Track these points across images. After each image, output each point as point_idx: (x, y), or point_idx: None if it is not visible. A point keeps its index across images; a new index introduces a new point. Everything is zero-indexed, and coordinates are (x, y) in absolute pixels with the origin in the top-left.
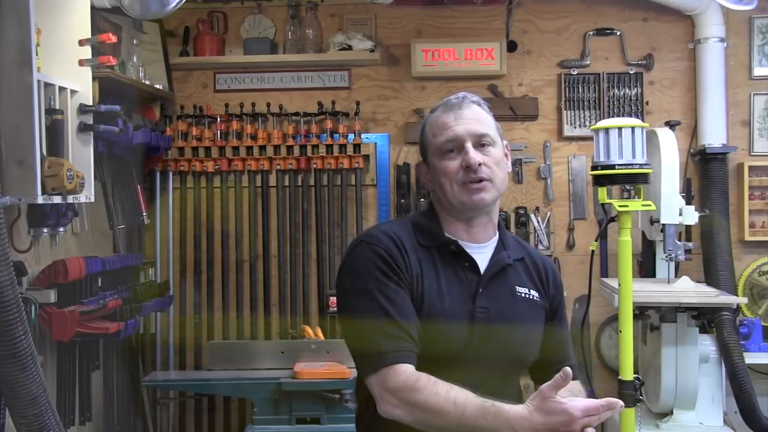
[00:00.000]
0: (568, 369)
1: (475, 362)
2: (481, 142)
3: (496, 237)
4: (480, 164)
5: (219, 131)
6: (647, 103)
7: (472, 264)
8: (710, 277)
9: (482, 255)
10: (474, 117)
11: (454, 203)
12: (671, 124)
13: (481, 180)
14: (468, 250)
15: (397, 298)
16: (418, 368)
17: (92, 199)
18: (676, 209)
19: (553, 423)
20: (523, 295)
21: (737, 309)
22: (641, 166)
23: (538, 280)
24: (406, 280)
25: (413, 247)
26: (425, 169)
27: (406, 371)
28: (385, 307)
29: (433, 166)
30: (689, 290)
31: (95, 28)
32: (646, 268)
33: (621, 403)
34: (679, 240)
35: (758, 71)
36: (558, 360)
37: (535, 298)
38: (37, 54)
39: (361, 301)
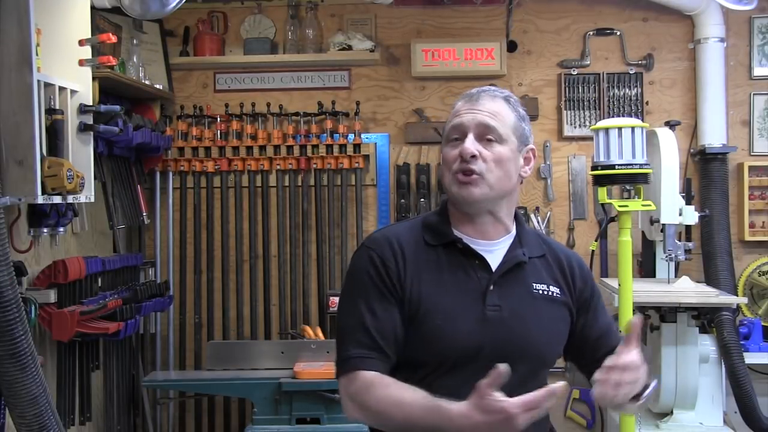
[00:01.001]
0: (499, 370)
1: (490, 362)
2: (486, 136)
3: (511, 235)
4: (474, 156)
5: (219, 131)
6: (647, 103)
7: (483, 262)
8: (710, 277)
9: (495, 252)
10: (488, 109)
11: (450, 193)
12: (671, 124)
13: (471, 173)
14: (477, 248)
15: (378, 309)
16: (433, 371)
17: (92, 199)
18: (676, 209)
19: (493, 421)
20: (540, 291)
21: (737, 309)
22: (641, 166)
23: (561, 275)
24: (394, 289)
25: (418, 248)
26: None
27: (364, 376)
28: (363, 316)
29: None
30: (689, 290)
31: (95, 28)
32: (646, 268)
33: (561, 384)
34: (679, 240)
35: (758, 71)
36: (606, 350)
37: (555, 294)
38: (37, 54)
39: (347, 306)
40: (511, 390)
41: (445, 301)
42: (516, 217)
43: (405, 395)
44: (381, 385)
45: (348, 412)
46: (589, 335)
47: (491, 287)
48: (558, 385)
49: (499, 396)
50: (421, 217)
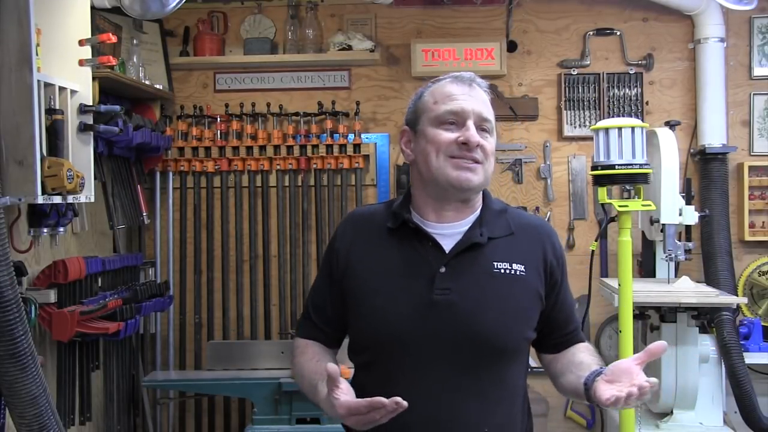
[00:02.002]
0: (331, 366)
1: (439, 349)
2: (482, 127)
3: (474, 216)
4: (478, 145)
5: (219, 131)
6: (647, 103)
7: (435, 244)
8: (710, 277)
9: (452, 234)
10: (482, 99)
11: (437, 176)
12: (671, 124)
13: (474, 161)
14: (431, 230)
15: (321, 286)
16: (379, 354)
17: (92, 199)
18: (676, 209)
19: (337, 414)
20: (502, 271)
21: (737, 309)
22: (641, 166)
23: (530, 253)
24: (336, 269)
25: (379, 230)
26: (409, 136)
27: (296, 341)
28: (311, 292)
29: (423, 133)
30: (689, 290)
31: (95, 28)
32: (646, 268)
33: (385, 401)
34: (679, 240)
35: (758, 71)
36: (568, 329)
37: (519, 272)
38: (37, 54)
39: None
40: (461, 380)
41: (391, 282)
42: (484, 196)
43: (307, 367)
44: (300, 351)
45: None
46: (558, 315)
47: (442, 270)
48: (393, 399)
49: (339, 393)
50: (394, 199)
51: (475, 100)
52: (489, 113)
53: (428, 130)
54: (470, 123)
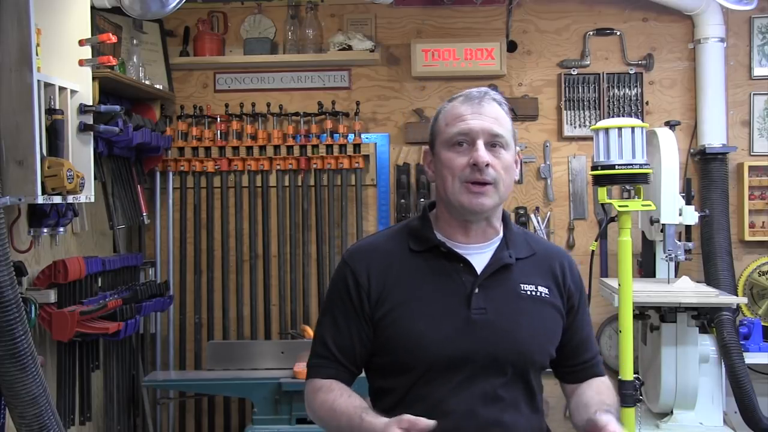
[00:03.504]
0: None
1: (481, 365)
2: (493, 143)
3: (499, 237)
4: (488, 165)
5: (219, 131)
6: (647, 103)
7: (467, 265)
8: (710, 277)
9: (481, 255)
10: (492, 115)
11: (453, 201)
12: (671, 124)
13: (485, 183)
14: (461, 251)
15: (342, 324)
16: (422, 376)
17: (92, 199)
18: (676, 209)
19: None
20: (528, 292)
21: (737, 309)
22: (641, 166)
23: (551, 275)
24: (361, 305)
25: (401, 256)
26: (429, 157)
27: (315, 382)
28: (327, 330)
29: (439, 156)
30: (689, 290)
31: (95, 28)
32: (646, 268)
33: None
34: (679, 240)
35: (758, 71)
36: (583, 358)
37: (543, 294)
38: (37, 54)
39: (321, 317)
40: (496, 392)
41: (429, 306)
42: (503, 219)
43: (340, 403)
44: (326, 390)
45: (307, 411)
46: (571, 339)
47: (476, 290)
48: None
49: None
50: (405, 223)
51: (485, 117)
52: (500, 128)
53: (442, 154)
54: (479, 143)
